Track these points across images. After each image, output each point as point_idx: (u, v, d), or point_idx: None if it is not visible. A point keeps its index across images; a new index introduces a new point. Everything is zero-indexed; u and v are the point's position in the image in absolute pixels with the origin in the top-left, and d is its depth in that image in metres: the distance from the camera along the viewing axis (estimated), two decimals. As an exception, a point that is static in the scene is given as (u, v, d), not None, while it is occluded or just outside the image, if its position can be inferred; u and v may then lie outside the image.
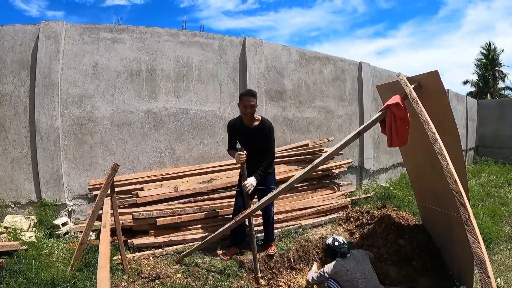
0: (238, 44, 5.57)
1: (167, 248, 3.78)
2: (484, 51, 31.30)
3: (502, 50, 30.90)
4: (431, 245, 4.24)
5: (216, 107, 5.33)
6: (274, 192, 3.28)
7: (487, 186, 7.97)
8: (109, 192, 3.10)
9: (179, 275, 3.36)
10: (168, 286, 3.13)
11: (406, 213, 5.11)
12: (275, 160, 5.09)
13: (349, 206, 5.30)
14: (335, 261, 3.49)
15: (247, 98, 3.55)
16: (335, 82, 6.94)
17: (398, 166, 8.82)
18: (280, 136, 5.98)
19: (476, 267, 3.18)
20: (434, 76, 3.17)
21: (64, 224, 4.17)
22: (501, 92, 30.94)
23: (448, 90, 10.64)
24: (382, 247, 4.33)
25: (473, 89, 30.50)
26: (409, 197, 5.97)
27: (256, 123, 3.71)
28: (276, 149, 5.44)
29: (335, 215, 5.02)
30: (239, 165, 3.64)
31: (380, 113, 3.31)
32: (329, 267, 3.47)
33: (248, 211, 3.39)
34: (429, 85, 3.26)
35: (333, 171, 5.55)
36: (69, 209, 4.52)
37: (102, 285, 1.58)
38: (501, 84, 31.41)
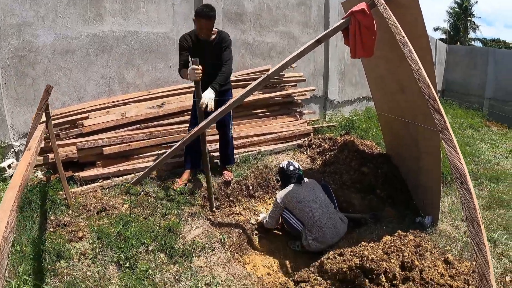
0: (193, -40, 5.02)
1: (115, 179, 3.55)
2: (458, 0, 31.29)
3: (476, 1, 30.99)
4: (396, 175, 4.18)
5: (168, 29, 4.87)
6: (230, 101, 3.05)
7: (451, 127, 8.05)
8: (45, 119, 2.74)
9: (126, 205, 3.19)
10: (114, 217, 2.95)
11: (370, 141, 5.04)
12: (233, 83, 4.81)
13: (312, 134, 5.15)
14: (289, 186, 3.35)
15: (201, 21, 3.17)
16: (300, 8, 6.57)
17: (364, 99, 8.77)
18: (239, 60, 5.65)
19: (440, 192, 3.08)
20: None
21: (10, 166, 3.85)
22: (471, 43, 31.47)
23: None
24: (345, 174, 4.26)
25: (444, 36, 30.71)
26: (374, 129, 5.89)
27: (213, 36, 3.35)
28: (235, 73, 5.12)
29: (297, 142, 4.88)
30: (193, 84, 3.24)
31: (343, 20, 3.10)
32: (282, 193, 3.32)
33: (202, 124, 3.10)
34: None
35: (296, 98, 5.33)
36: (16, 150, 4.15)
37: (4, 205, 1.32)
38: (471, 35, 31.81)
